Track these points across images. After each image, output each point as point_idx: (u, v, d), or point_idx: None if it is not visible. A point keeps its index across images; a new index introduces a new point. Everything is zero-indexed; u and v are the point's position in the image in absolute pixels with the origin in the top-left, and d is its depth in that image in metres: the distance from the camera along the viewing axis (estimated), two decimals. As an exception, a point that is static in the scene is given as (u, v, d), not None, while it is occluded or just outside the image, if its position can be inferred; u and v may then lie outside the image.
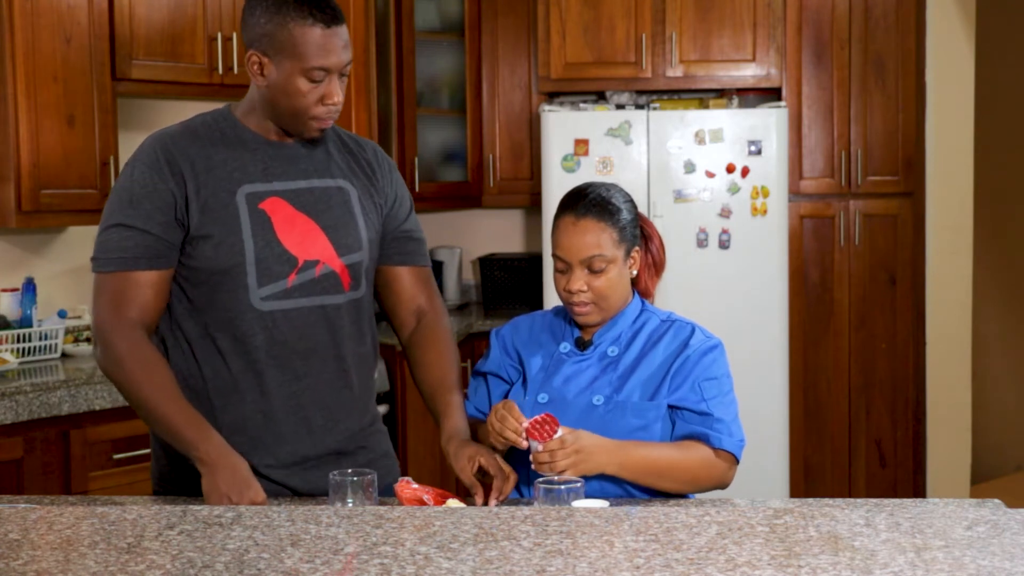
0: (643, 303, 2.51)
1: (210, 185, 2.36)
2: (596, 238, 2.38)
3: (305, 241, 2.39)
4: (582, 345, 2.47)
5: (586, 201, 2.41)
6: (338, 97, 2.35)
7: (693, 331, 2.44)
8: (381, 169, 2.55)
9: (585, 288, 2.39)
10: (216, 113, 2.47)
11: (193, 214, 2.34)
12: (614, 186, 2.48)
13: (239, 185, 2.37)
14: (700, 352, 2.40)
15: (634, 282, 2.50)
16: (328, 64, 2.32)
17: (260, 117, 2.42)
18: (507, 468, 2.32)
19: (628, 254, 2.44)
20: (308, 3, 2.30)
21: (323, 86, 2.33)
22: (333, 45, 2.32)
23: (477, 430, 2.47)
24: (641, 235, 2.50)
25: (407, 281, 2.59)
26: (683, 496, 2.42)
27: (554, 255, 2.43)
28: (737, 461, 2.40)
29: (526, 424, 2.26)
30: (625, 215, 2.43)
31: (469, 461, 2.32)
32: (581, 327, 2.48)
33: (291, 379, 2.41)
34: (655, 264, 2.53)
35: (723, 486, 2.40)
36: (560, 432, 2.26)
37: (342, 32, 2.34)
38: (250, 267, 2.35)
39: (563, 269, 2.42)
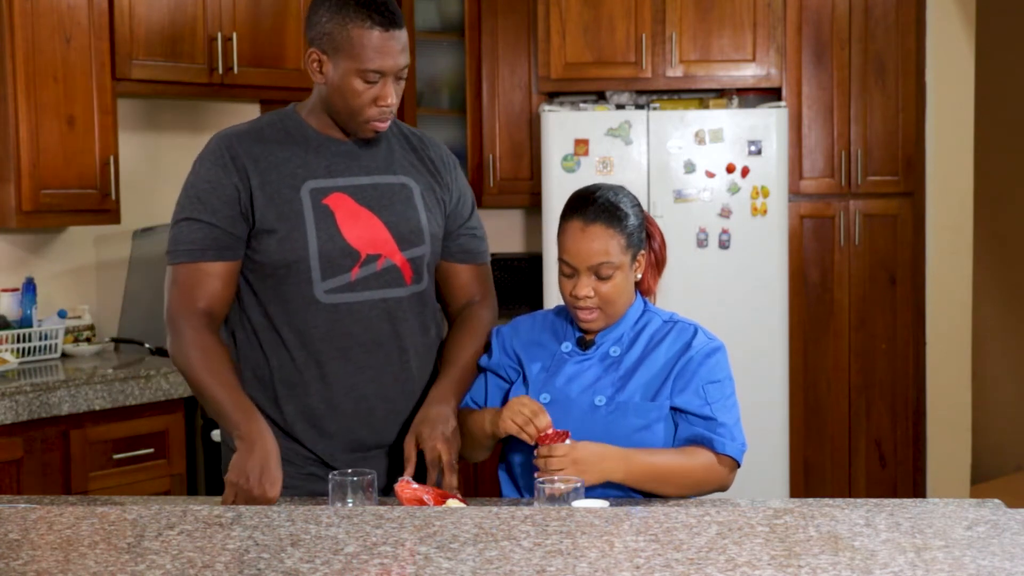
0: (645, 303, 2.50)
1: (275, 181, 2.42)
2: (604, 245, 2.37)
3: (367, 235, 2.44)
4: (584, 345, 2.47)
5: (595, 206, 2.39)
6: (392, 99, 2.39)
7: (696, 332, 2.43)
8: (446, 167, 2.60)
9: (592, 294, 2.38)
10: (282, 112, 2.53)
11: (258, 209, 2.41)
12: (622, 189, 2.47)
13: (303, 181, 2.43)
14: (703, 354, 2.40)
15: (637, 283, 2.50)
16: (384, 67, 2.36)
17: (321, 115, 2.47)
18: (446, 458, 2.36)
19: (634, 258, 2.43)
20: (368, 5, 2.34)
21: (377, 88, 2.37)
22: (390, 48, 2.36)
23: (469, 417, 2.48)
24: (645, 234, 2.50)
25: (466, 277, 2.64)
26: (684, 498, 2.42)
27: (561, 259, 2.41)
28: (738, 465, 2.40)
29: (541, 434, 2.27)
30: (633, 220, 2.42)
31: (416, 439, 2.40)
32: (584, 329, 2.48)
33: (354, 371, 2.46)
34: (657, 262, 2.52)
35: (723, 490, 2.40)
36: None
37: (400, 36, 2.38)
38: (314, 261, 2.41)
39: (570, 274, 2.40)
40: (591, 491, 2.27)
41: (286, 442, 2.47)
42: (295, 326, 2.44)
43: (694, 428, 2.37)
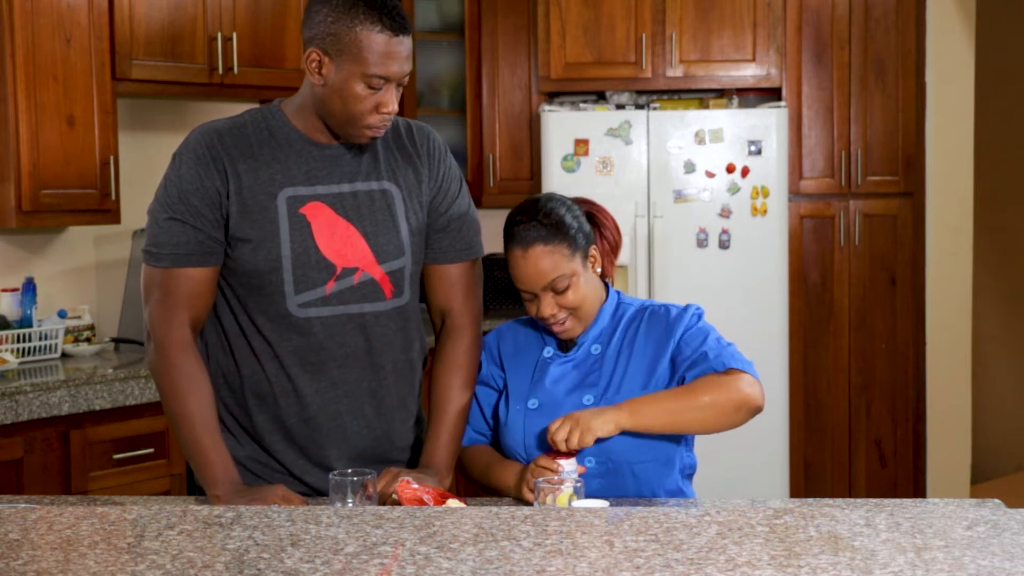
0: (619, 296, 2.50)
1: (252, 187, 2.33)
2: (550, 262, 2.36)
3: (344, 248, 2.36)
4: (565, 347, 2.47)
5: (527, 227, 2.38)
6: (393, 106, 2.31)
7: (667, 309, 2.45)
8: (431, 157, 2.49)
9: (557, 310, 2.39)
10: (266, 109, 2.43)
11: (232, 215, 2.33)
12: (552, 196, 2.45)
13: (280, 188, 2.34)
14: (674, 317, 2.41)
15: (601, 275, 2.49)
16: (389, 72, 2.28)
17: (310, 116, 2.38)
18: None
19: (586, 257, 2.42)
20: (379, 9, 2.27)
21: (380, 94, 2.30)
22: (397, 54, 2.29)
23: (493, 471, 2.46)
24: (593, 224, 2.48)
25: (430, 279, 2.53)
26: (687, 496, 2.42)
27: (516, 287, 2.41)
28: (756, 379, 2.35)
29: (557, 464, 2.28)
30: (569, 222, 2.39)
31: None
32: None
33: (327, 386, 2.39)
34: (612, 249, 2.50)
35: (753, 404, 2.32)
36: (572, 464, 2.29)
37: (407, 42, 2.31)
38: (287, 273, 2.34)
39: (530, 299, 2.41)
40: (590, 488, 2.27)
41: (256, 453, 2.43)
42: (266, 338, 2.37)
43: (689, 372, 2.35)
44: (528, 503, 2.29)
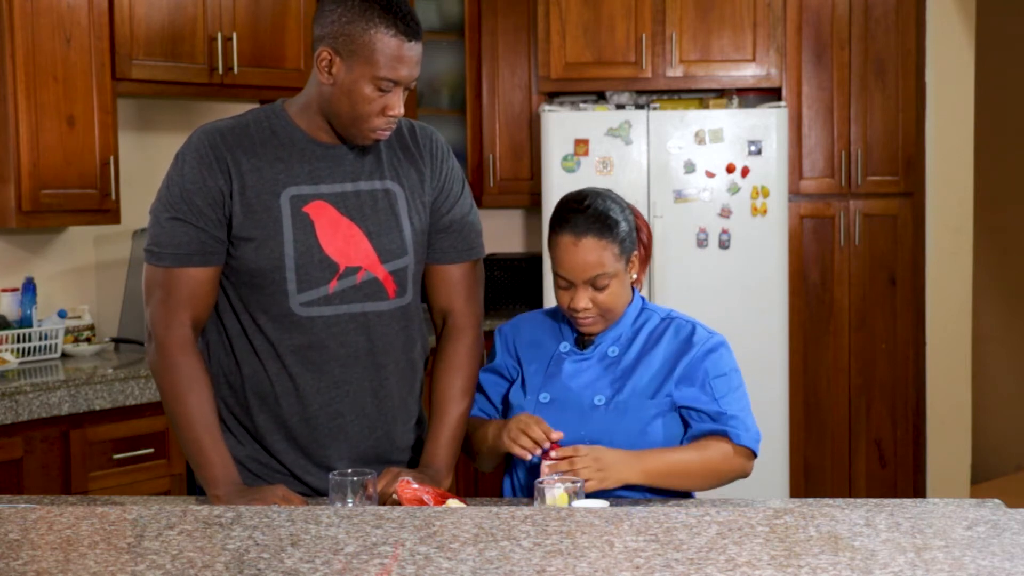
0: (643, 301, 2.50)
1: (255, 186, 2.34)
2: (599, 257, 2.35)
3: (348, 247, 2.36)
4: (582, 344, 2.46)
5: (584, 217, 2.36)
6: (399, 109, 2.33)
7: (694, 329, 2.43)
8: (433, 157, 2.49)
9: (590, 305, 2.37)
10: (268, 109, 2.43)
11: (236, 214, 2.33)
12: (609, 193, 2.44)
13: (284, 187, 2.35)
14: (705, 350, 2.40)
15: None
16: (399, 76, 2.30)
17: (314, 115, 2.38)
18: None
19: (628, 261, 2.42)
20: (395, 13, 2.28)
21: (387, 97, 2.31)
22: (409, 59, 2.30)
23: (478, 431, 2.48)
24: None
25: (431, 280, 2.54)
26: (687, 496, 2.42)
27: (555, 272, 2.40)
28: (755, 455, 2.39)
29: (547, 446, 2.27)
30: (624, 226, 2.39)
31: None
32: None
33: (329, 386, 2.39)
34: (646, 255, 2.51)
35: (744, 477, 2.40)
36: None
37: (418, 48, 2.32)
38: (290, 272, 2.34)
39: (565, 287, 2.39)
40: (606, 494, 2.27)
41: (257, 453, 2.43)
42: (268, 337, 2.37)
43: (705, 424, 2.37)
44: (506, 453, 2.31)
